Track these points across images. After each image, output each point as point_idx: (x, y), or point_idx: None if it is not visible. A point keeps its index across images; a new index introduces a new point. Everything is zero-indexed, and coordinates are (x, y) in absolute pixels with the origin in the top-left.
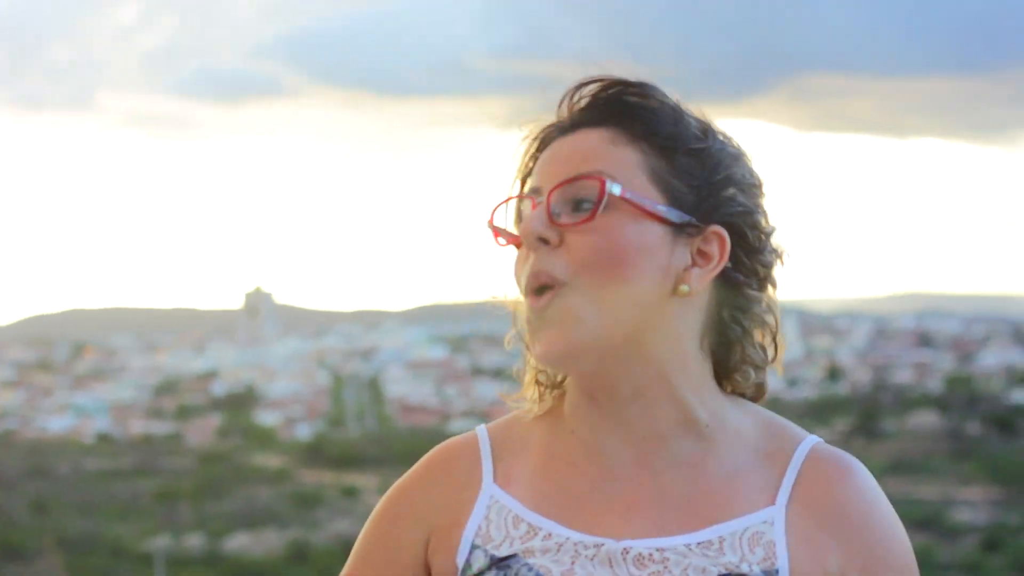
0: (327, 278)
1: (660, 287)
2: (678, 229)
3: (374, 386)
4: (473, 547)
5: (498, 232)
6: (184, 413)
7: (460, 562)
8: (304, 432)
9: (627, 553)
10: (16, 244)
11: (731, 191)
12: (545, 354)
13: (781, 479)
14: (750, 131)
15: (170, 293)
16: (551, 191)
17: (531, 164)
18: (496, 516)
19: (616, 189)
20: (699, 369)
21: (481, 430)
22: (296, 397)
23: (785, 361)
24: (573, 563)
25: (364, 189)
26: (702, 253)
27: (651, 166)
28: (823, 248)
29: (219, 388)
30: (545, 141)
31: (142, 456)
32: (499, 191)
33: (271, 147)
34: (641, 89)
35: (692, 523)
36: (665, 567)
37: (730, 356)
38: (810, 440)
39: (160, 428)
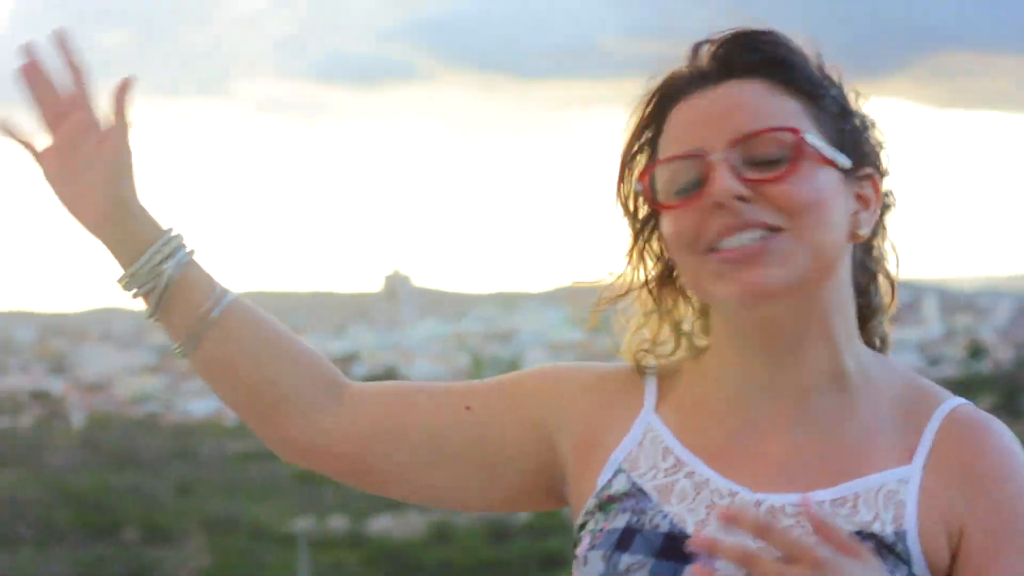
0: (465, 260)
1: (845, 232)
2: (845, 174)
3: (513, 368)
4: (619, 470)
5: (653, 198)
6: None
7: (601, 481)
8: None
9: (759, 506)
10: None
11: (866, 132)
12: (748, 292)
13: (919, 438)
14: (888, 110)
15: (309, 277)
16: (729, 147)
17: (656, 117)
18: (649, 444)
19: (810, 139)
20: (852, 317)
21: (651, 366)
22: (436, 379)
23: (926, 340)
24: (708, 513)
25: (499, 171)
26: (860, 196)
27: (811, 114)
28: (964, 226)
29: (359, 371)
30: (676, 95)
31: None
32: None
33: (405, 130)
34: (776, 37)
35: (827, 479)
36: (798, 522)
37: (866, 303)
38: (953, 401)
39: None
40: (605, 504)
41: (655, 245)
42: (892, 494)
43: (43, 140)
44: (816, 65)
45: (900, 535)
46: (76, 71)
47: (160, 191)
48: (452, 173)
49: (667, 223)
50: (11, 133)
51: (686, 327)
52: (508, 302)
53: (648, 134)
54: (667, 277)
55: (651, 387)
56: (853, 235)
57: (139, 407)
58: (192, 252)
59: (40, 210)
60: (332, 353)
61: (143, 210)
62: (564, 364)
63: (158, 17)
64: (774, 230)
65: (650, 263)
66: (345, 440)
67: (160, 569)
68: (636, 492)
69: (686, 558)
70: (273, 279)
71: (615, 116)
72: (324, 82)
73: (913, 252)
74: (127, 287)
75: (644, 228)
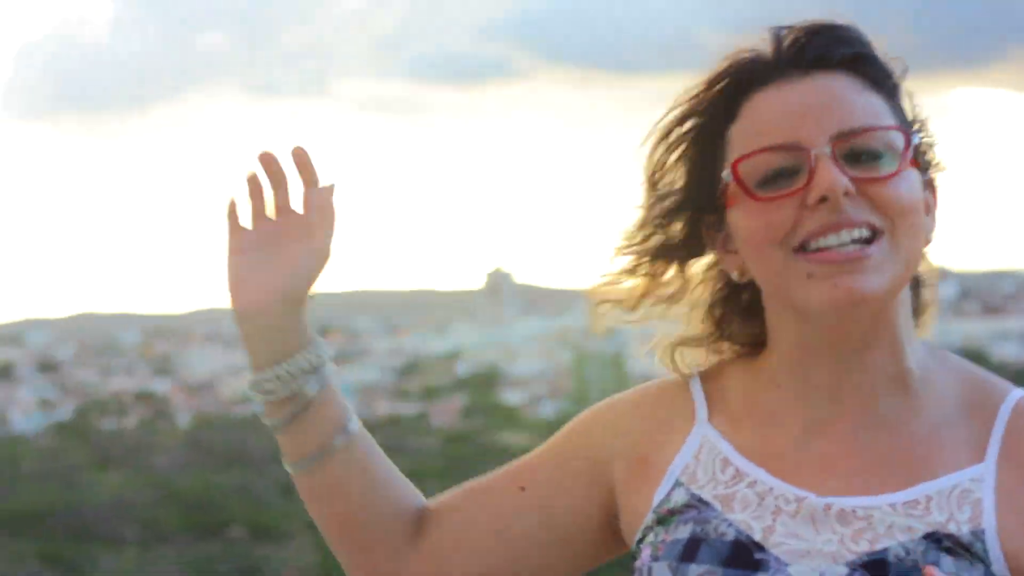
0: (566, 257)
1: (925, 238)
2: (923, 175)
3: (616, 363)
4: (677, 483)
5: (751, 191)
6: (429, 394)
7: (658, 496)
8: (548, 410)
9: (829, 509)
10: None
11: (925, 132)
12: (845, 298)
13: (988, 434)
14: (990, 99)
15: (411, 275)
16: (834, 141)
17: (726, 102)
18: (705, 456)
19: (916, 140)
20: (910, 316)
21: (693, 372)
22: (539, 376)
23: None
24: (775, 519)
25: (598, 168)
26: (926, 201)
27: (896, 114)
28: None
29: (463, 368)
30: (752, 82)
31: (388, 437)
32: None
33: (505, 128)
34: (859, 32)
35: (897, 482)
36: (869, 525)
37: (916, 299)
38: (1018, 392)
39: (406, 409)
40: (665, 518)
41: (675, 227)
42: (967, 493)
43: (244, 219)
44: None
45: (977, 534)
46: (308, 183)
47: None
48: (552, 169)
49: (751, 215)
50: (231, 211)
51: (735, 329)
52: None
53: (711, 117)
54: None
55: (699, 397)
56: (926, 241)
57: (244, 407)
58: (334, 369)
59: (144, 213)
60: (434, 352)
61: (304, 312)
62: (607, 399)
63: (257, 18)
64: (876, 232)
65: (661, 243)
66: (426, 572)
67: (267, 567)
68: (697, 503)
69: (755, 566)
70: (375, 278)
71: None
72: (424, 81)
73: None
74: (261, 389)
75: (672, 210)
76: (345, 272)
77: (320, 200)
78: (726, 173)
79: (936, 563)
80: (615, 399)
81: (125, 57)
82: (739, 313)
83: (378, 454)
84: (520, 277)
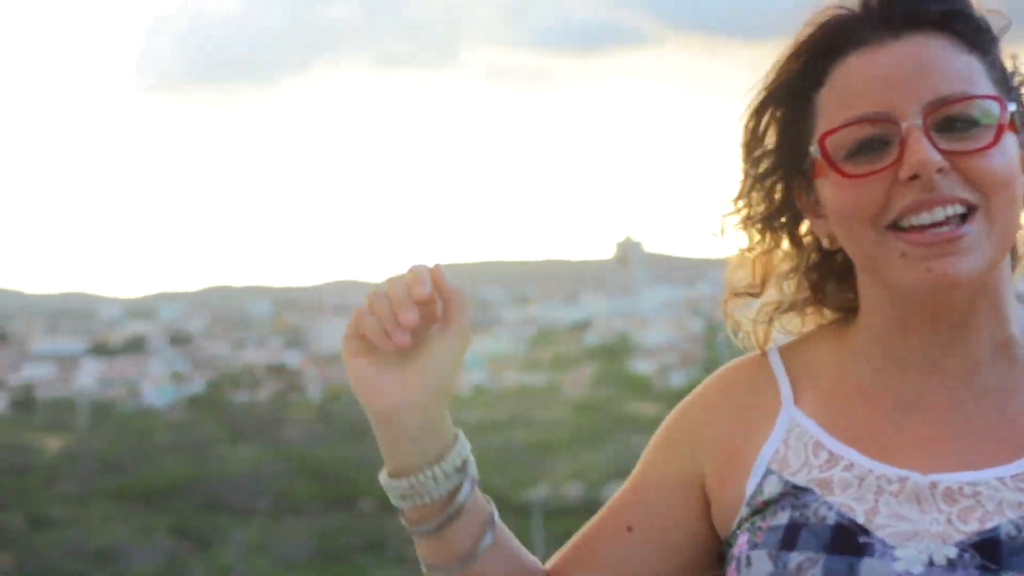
0: (696, 225)
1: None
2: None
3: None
4: (768, 472)
5: (839, 167)
6: (559, 364)
7: (750, 487)
8: (679, 380)
9: (935, 488)
10: (389, 201)
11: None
12: (943, 282)
13: None
14: None
15: (541, 245)
16: (926, 112)
17: (816, 65)
18: (796, 441)
19: (1013, 108)
20: (1010, 281)
21: (771, 351)
22: (670, 345)
23: None
24: (877, 500)
25: (725, 135)
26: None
27: (991, 74)
28: None
29: (592, 338)
30: (842, 44)
31: (519, 406)
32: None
33: (632, 95)
34: None
35: (1004, 455)
36: (978, 502)
37: (1013, 258)
38: None
39: (535, 379)
40: (760, 508)
41: (777, 195)
42: None
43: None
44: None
45: None
46: (448, 300)
47: (392, 164)
48: (680, 137)
49: (840, 191)
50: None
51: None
52: None
53: (800, 82)
54: (792, 232)
55: (782, 376)
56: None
57: None
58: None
59: (274, 185)
60: (565, 322)
61: (445, 408)
62: (686, 399)
63: None
64: (971, 208)
65: (768, 214)
66: None
67: (395, 539)
68: (792, 490)
69: (860, 550)
70: (505, 248)
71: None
72: (551, 49)
73: None
74: (411, 494)
75: (767, 177)
76: (475, 242)
77: (450, 288)
78: (814, 148)
79: None
80: (693, 398)
81: (254, 29)
82: (834, 277)
83: (509, 536)
84: (650, 246)
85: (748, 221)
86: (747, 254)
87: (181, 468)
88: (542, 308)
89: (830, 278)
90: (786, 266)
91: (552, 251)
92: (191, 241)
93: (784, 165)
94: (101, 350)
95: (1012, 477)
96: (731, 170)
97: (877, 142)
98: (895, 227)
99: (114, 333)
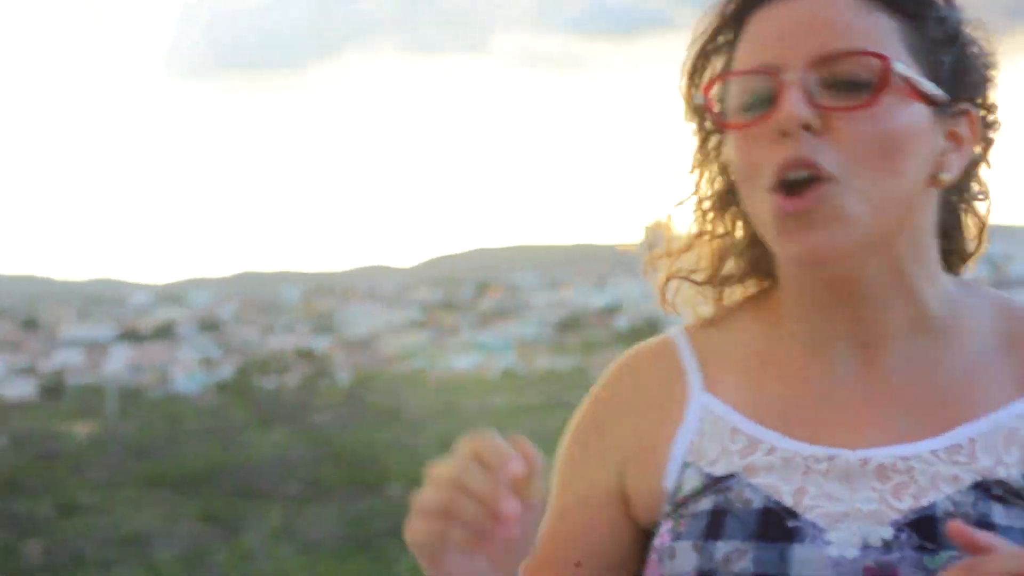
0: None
1: (923, 177)
2: (938, 109)
3: None
4: (685, 465)
5: (718, 116)
6: (588, 348)
7: (669, 484)
8: None
9: (866, 464)
10: (419, 187)
11: (976, 63)
12: (806, 256)
13: None
14: None
15: (571, 229)
16: (808, 67)
17: (735, 20)
18: (711, 428)
19: (900, 67)
20: (935, 259)
21: (676, 332)
22: None
23: None
24: (804, 480)
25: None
26: (953, 134)
27: (907, 37)
28: None
29: (622, 322)
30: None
31: (548, 391)
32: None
33: (664, 79)
34: None
35: (935, 426)
36: (911, 477)
37: (951, 247)
38: None
39: (564, 363)
40: (682, 503)
41: (715, 165)
42: (1013, 432)
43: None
44: None
45: None
46: (531, 471)
47: (423, 150)
48: None
49: (732, 145)
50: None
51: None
52: None
53: (724, 38)
54: (728, 199)
55: (690, 361)
56: (934, 179)
57: (404, 364)
58: None
59: (305, 171)
60: (594, 306)
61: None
62: (585, 405)
63: None
64: (831, 177)
65: (711, 182)
66: None
67: None
68: (713, 481)
69: (789, 535)
70: (535, 232)
71: None
72: (582, 34)
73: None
74: None
75: (707, 141)
76: (505, 227)
77: (532, 456)
78: (699, 97)
79: (987, 513)
80: (595, 399)
81: (283, 16)
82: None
83: None
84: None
85: (701, 202)
86: (699, 240)
87: (210, 454)
88: (572, 292)
89: (765, 247)
90: (729, 246)
91: (582, 235)
92: (221, 227)
93: (718, 137)
94: (131, 336)
95: (945, 449)
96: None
97: (763, 98)
98: (773, 188)
99: (144, 319)
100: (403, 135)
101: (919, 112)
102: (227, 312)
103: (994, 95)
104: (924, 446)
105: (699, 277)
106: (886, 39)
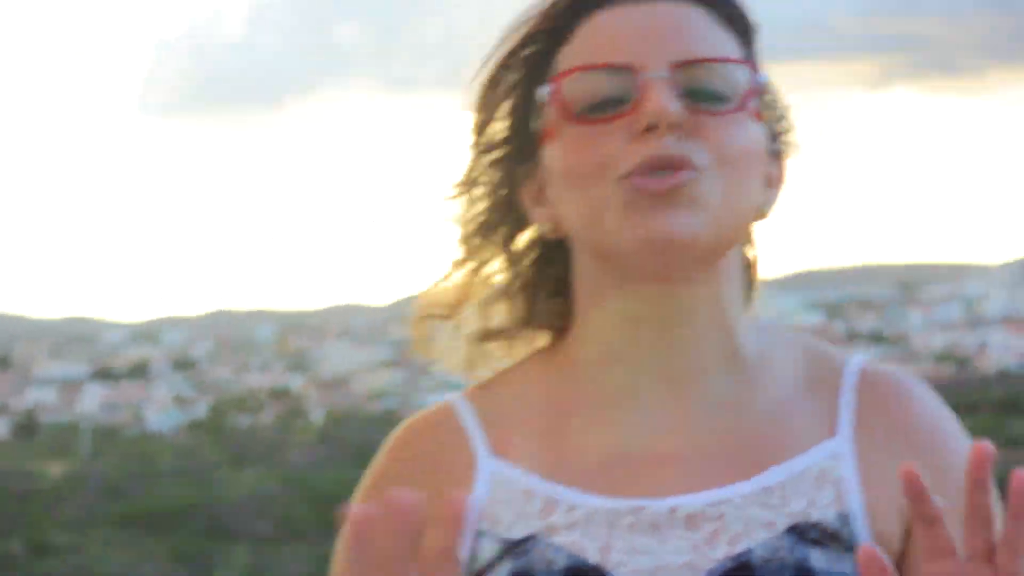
0: None
1: (758, 203)
2: (770, 140)
3: None
4: (478, 534)
5: (569, 112)
6: None
7: (462, 556)
8: None
9: (674, 513)
10: (394, 224)
11: (785, 115)
12: (660, 238)
13: (837, 407)
14: None
15: None
16: (674, 69)
17: (558, 25)
18: (504, 493)
19: (762, 80)
20: (740, 295)
21: (455, 397)
22: None
23: None
24: (610, 536)
25: None
26: (769, 174)
27: (747, 58)
28: None
29: None
30: (589, 5)
31: None
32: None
33: None
34: None
35: (745, 469)
36: (723, 524)
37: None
38: (858, 358)
39: None
40: (479, 575)
41: (502, 190)
42: (825, 473)
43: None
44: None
45: (844, 518)
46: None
47: (398, 186)
48: None
49: (570, 145)
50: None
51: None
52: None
53: (541, 44)
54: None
55: (472, 425)
56: (758, 210)
57: (378, 403)
58: None
59: (278, 208)
60: None
61: None
62: (364, 485)
63: (394, 10)
64: (694, 167)
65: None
66: None
67: None
68: (512, 547)
69: None
70: None
71: (847, 97)
72: None
73: None
74: None
75: (496, 163)
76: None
77: None
78: (542, 92)
79: (805, 558)
80: (373, 480)
81: (259, 53)
82: (548, 293)
83: None
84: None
85: (467, 226)
86: (456, 268)
87: (183, 493)
88: None
89: (543, 295)
90: (495, 286)
91: None
92: (195, 265)
93: (514, 145)
94: (105, 375)
95: (756, 493)
96: None
97: (616, 99)
98: (630, 175)
99: (118, 358)
100: (378, 171)
101: (762, 136)
102: (201, 351)
103: (794, 141)
104: (735, 491)
105: (468, 332)
106: (736, 55)
